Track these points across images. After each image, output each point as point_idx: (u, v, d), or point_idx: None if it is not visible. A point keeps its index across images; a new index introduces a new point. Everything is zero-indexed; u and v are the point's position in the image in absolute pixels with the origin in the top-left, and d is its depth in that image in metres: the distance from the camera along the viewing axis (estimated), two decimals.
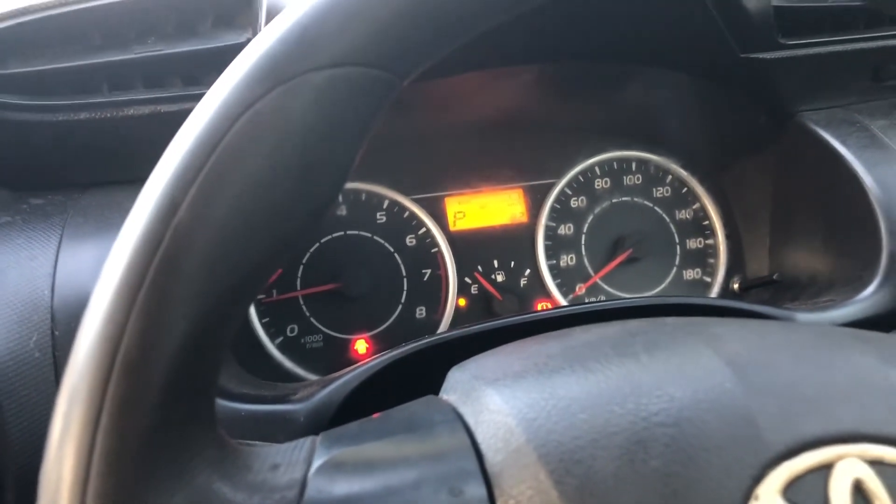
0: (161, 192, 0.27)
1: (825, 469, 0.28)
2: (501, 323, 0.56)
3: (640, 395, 0.31)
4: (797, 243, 0.76)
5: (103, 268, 0.27)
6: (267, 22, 0.63)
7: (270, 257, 0.29)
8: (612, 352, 0.34)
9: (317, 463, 0.30)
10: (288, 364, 0.78)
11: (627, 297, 0.85)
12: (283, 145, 0.29)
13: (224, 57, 0.57)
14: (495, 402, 0.32)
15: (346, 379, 0.53)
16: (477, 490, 0.29)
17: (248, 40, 0.62)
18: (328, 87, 0.29)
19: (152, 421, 0.26)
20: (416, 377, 0.42)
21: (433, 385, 0.38)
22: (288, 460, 0.31)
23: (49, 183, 0.64)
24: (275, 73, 0.29)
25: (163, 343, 0.26)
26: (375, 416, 0.36)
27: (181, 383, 0.27)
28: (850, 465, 0.28)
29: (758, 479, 0.28)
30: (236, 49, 0.48)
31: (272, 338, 0.78)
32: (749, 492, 0.27)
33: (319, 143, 0.30)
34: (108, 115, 0.61)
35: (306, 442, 0.32)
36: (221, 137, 0.28)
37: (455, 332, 0.57)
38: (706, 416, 0.29)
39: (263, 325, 0.78)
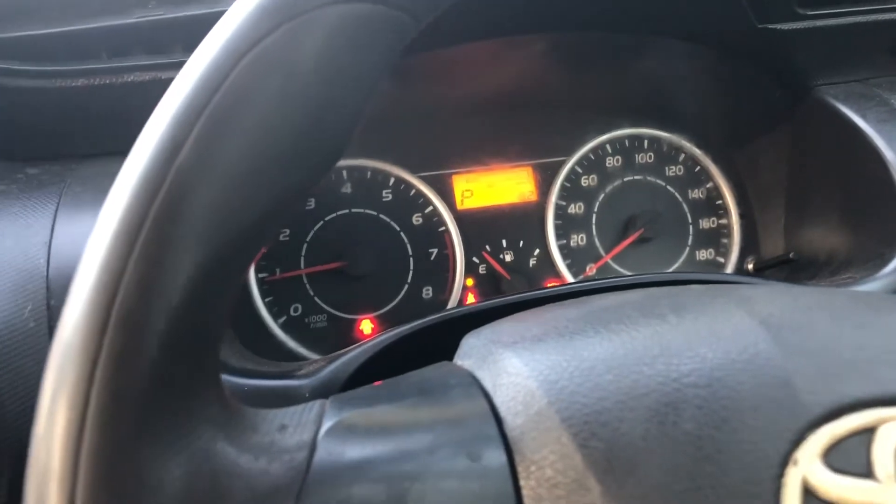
0: (162, 132, 0.26)
1: (868, 433, 0.26)
2: (514, 298, 0.55)
3: (669, 356, 0.29)
4: (814, 221, 0.74)
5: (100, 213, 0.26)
6: None
7: (277, 205, 0.28)
8: (637, 313, 0.33)
9: (327, 424, 0.29)
10: (291, 344, 0.76)
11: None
12: (290, 86, 0.27)
13: None
14: (514, 364, 0.31)
15: (353, 355, 0.52)
16: (496, 455, 0.28)
17: None
18: (339, 25, 0.28)
19: (151, 376, 0.24)
20: (425, 354, 0.40)
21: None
22: (297, 422, 0.29)
23: (46, 153, 0.62)
24: (283, 8, 0.28)
25: (163, 292, 0.25)
26: (386, 381, 0.35)
27: (183, 336, 0.25)
28: (894, 429, 0.26)
29: (797, 442, 0.26)
30: None
31: (275, 317, 0.77)
32: (787, 456, 0.26)
33: (329, 85, 0.29)
34: (107, 81, 0.59)
35: (315, 404, 0.31)
36: (227, 75, 0.27)
37: (466, 308, 0.56)
38: (740, 376, 0.28)
39: (266, 304, 0.77)
